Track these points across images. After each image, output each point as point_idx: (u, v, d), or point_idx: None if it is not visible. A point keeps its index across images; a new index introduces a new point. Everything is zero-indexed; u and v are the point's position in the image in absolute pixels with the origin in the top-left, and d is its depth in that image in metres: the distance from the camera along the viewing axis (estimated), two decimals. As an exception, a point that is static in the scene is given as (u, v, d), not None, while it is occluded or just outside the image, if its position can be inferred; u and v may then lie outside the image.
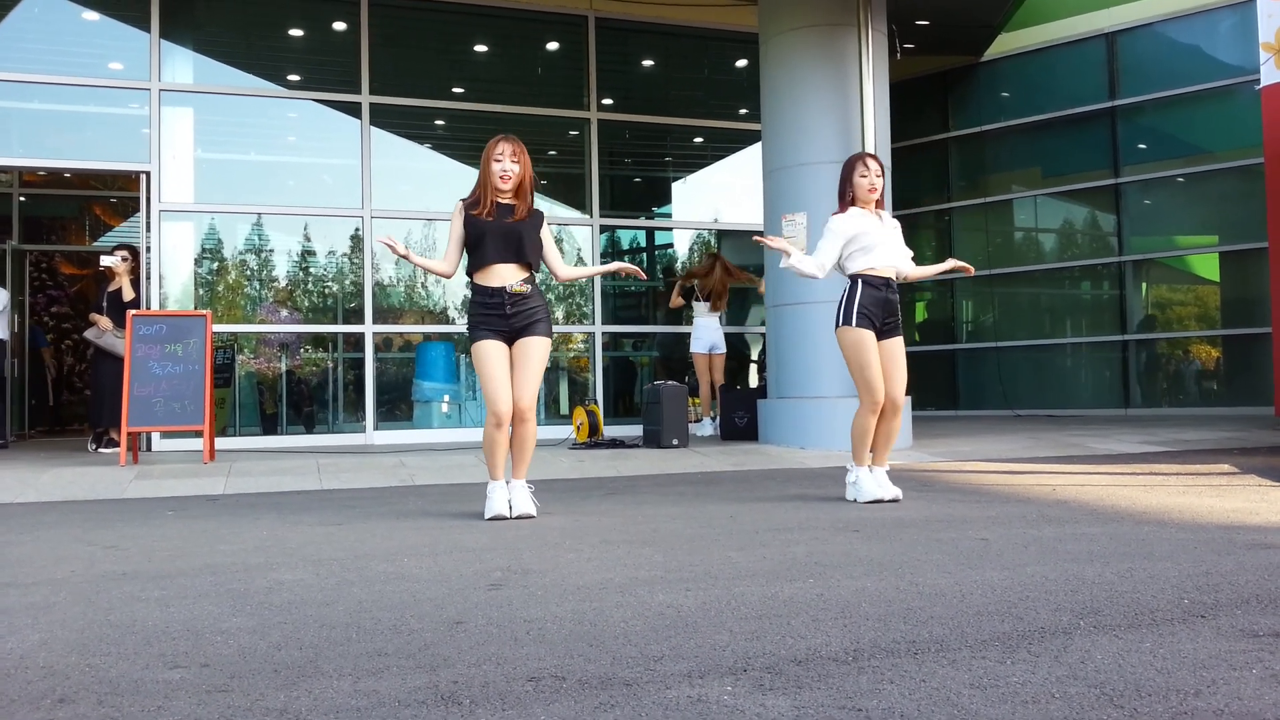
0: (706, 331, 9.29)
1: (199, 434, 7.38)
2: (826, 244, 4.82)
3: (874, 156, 4.94)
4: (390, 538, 3.93)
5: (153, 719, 1.77)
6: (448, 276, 4.62)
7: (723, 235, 11.18)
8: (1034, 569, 2.99)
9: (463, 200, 4.52)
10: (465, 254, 4.52)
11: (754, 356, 10.56)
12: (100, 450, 8.19)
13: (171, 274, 8.99)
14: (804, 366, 7.74)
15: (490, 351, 4.36)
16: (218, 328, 8.69)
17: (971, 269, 5.15)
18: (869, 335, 4.71)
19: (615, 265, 4.89)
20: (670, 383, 8.17)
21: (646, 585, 2.86)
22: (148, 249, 8.77)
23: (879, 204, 4.88)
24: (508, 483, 4.49)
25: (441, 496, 5.48)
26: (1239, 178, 10.92)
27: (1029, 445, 7.83)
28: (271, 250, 9.58)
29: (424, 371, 9.70)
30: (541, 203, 10.65)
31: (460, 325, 10.08)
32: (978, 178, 13.27)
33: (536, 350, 4.40)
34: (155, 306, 8.63)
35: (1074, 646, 2.12)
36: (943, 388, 13.33)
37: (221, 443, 8.30)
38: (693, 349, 9.38)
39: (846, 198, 4.87)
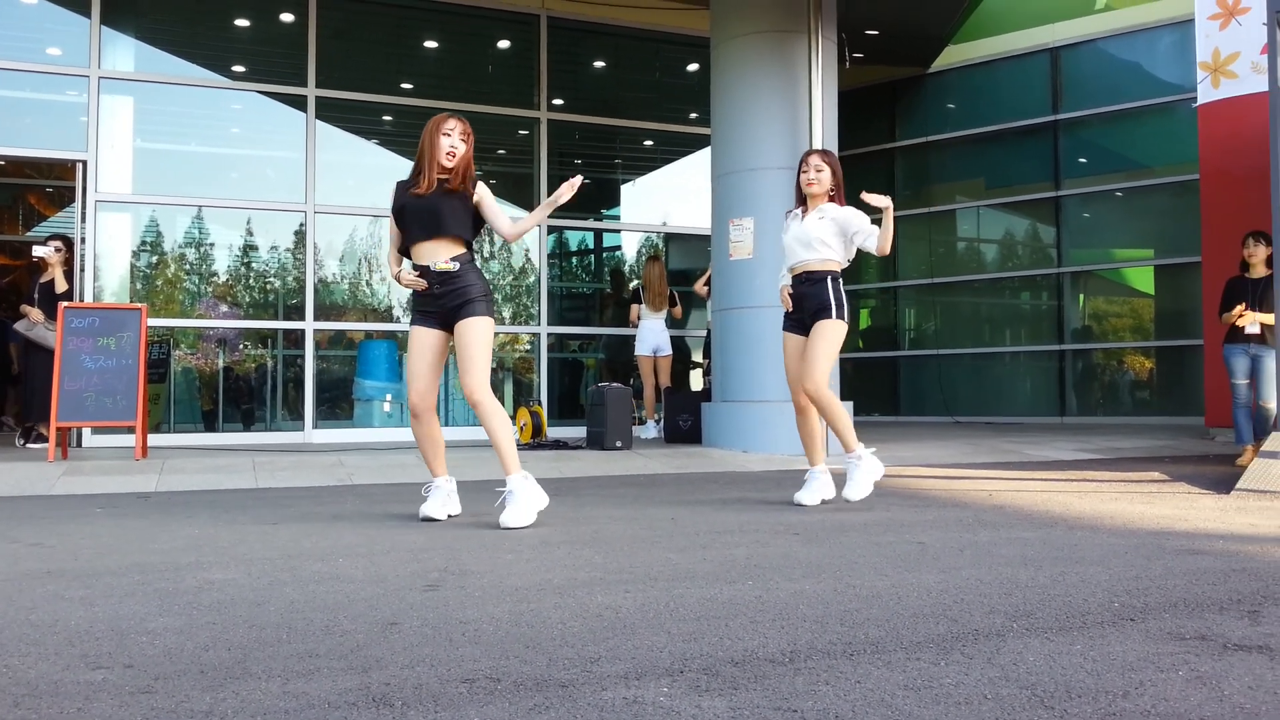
0: (650, 334, 9.30)
1: (131, 430, 7.20)
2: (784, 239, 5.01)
3: (818, 151, 5.00)
4: (325, 537, 3.87)
5: (70, 721, 1.71)
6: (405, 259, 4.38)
7: (670, 238, 11.20)
8: (969, 572, 3.02)
9: (400, 181, 4.37)
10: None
11: (697, 359, 10.59)
12: (29, 445, 7.96)
13: (107, 266, 8.78)
14: (748, 370, 7.77)
15: (416, 337, 4.27)
16: (154, 322, 8.49)
17: (885, 201, 4.79)
18: (785, 336, 4.90)
19: (557, 193, 4.30)
20: (615, 385, 8.16)
21: (585, 587, 2.84)
22: (83, 240, 8.55)
23: (833, 198, 4.89)
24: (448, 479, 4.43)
25: (381, 496, 5.41)
26: (1175, 193, 11.20)
27: (968, 451, 7.94)
28: (212, 244, 9.39)
29: (366, 370, 9.57)
30: (489, 202, 10.66)
31: (404, 324, 9.98)
32: (922, 187, 13.46)
33: (472, 332, 4.17)
34: (90, 299, 8.41)
35: (1007, 648, 2.14)
36: (885, 394, 13.49)
37: (155, 439, 8.11)
38: (637, 351, 9.38)
39: (797, 195, 4.99)
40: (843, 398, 8.29)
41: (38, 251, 8.02)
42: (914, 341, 13.58)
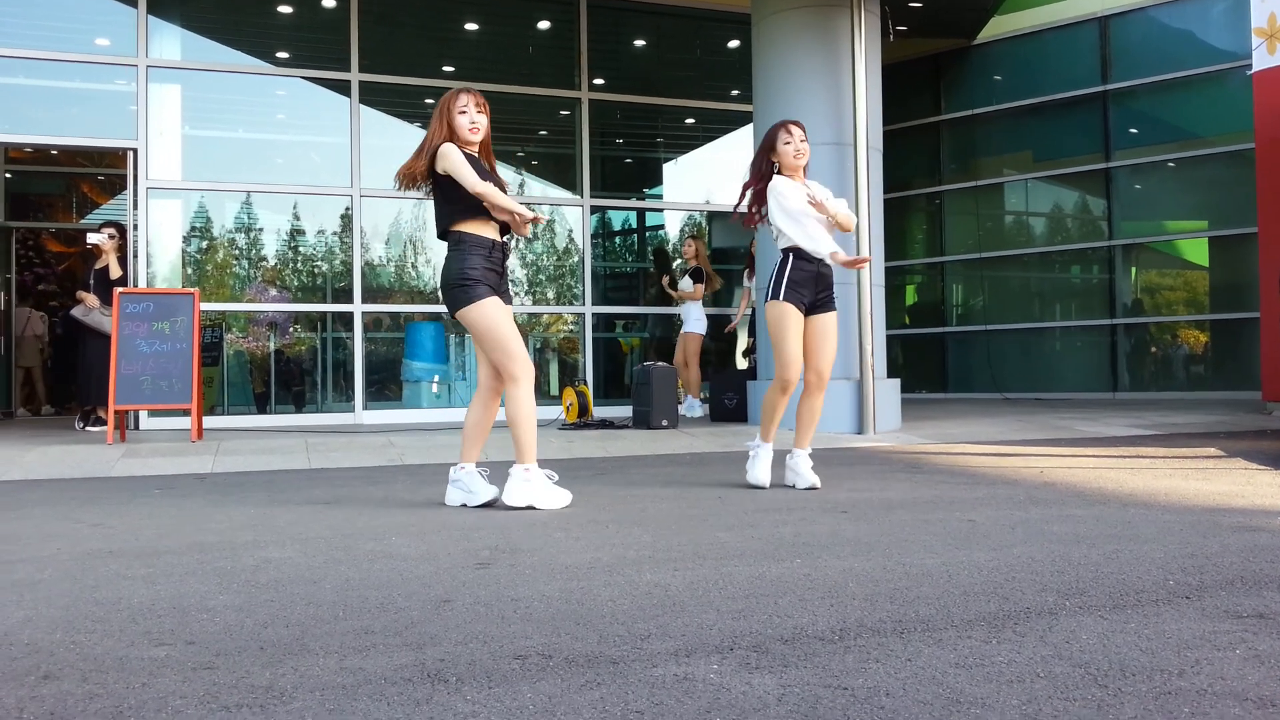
0: (700, 311, 9.29)
1: (187, 413, 7.35)
2: (789, 208, 4.53)
3: (797, 123, 4.65)
4: (378, 516, 3.92)
5: (137, 695, 1.76)
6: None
7: (713, 216, 11.16)
8: (1021, 550, 3.00)
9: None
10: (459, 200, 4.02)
11: (740, 340, 10.57)
12: (88, 429, 8.16)
13: (159, 252, 8.94)
14: (794, 348, 7.73)
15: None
16: (206, 306, 8.64)
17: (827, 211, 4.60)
18: (793, 311, 4.55)
19: (523, 211, 3.97)
20: (660, 364, 8.17)
21: (634, 565, 2.86)
22: (135, 226, 8.71)
23: (805, 171, 4.68)
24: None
25: (431, 476, 5.48)
26: (1229, 163, 10.94)
27: (1017, 428, 7.85)
28: (260, 229, 9.53)
29: (413, 351, 9.67)
30: (532, 183, 10.72)
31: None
32: (969, 161, 13.26)
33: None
34: (143, 284, 8.57)
35: (1059, 627, 2.13)
36: (932, 370, 13.37)
37: (209, 421, 8.28)
38: (698, 330, 9.26)
39: (763, 168, 4.62)
40: (890, 374, 8.24)
41: (92, 238, 8.19)
42: (962, 317, 13.42)
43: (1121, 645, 1.98)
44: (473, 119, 4.05)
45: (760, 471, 4.70)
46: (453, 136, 4.05)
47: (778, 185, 4.57)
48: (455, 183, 3.96)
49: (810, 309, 4.61)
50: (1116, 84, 11.86)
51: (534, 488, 4.02)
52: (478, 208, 4.00)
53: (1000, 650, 1.96)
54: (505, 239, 4.11)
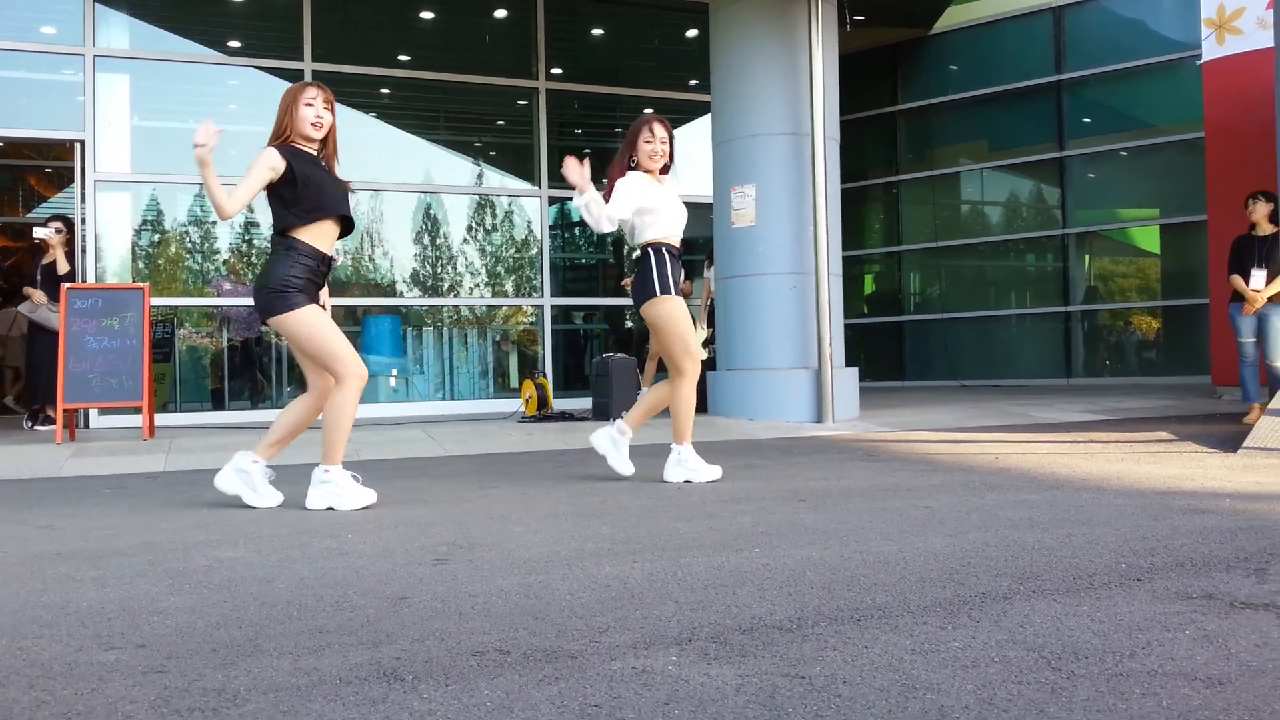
0: None
1: (138, 410, 7.22)
2: (622, 202, 4.47)
3: (663, 122, 4.63)
4: (333, 513, 3.88)
5: (86, 701, 1.72)
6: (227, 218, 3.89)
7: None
8: (976, 535, 3.03)
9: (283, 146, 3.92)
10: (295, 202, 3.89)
11: (699, 331, 10.60)
12: (36, 428, 7.99)
13: (109, 246, 8.77)
14: (753, 338, 7.77)
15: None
16: (157, 301, 8.49)
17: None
18: (681, 302, 4.55)
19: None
20: (619, 355, 8.16)
21: (593, 557, 2.85)
22: (83, 220, 8.54)
23: (664, 170, 4.66)
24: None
25: (388, 471, 5.43)
26: (1180, 152, 11.12)
27: (973, 415, 7.94)
28: (213, 222, 9.37)
29: (370, 345, 9.58)
30: (490, 173, 10.64)
31: (410, 299, 9.97)
32: (925, 151, 13.38)
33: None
34: (92, 279, 8.41)
35: (1013, 611, 2.15)
36: (890, 359, 13.48)
37: (162, 419, 8.14)
38: None
39: (623, 161, 4.58)
40: (848, 363, 8.29)
41: (39, 233, 8.00)
42: (919, 306, 13.55)
43: (1074, 628, 2.01)
44: (319, 113, 3.92)
45: (706, 467, 4.65)
46: (294, 129, 3.91)
47: (627, 182, 4.51)
48: (293, 185, 3.84)
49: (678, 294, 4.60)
50: (1070, 74, 12.01)
51: (333, 489, 3.95)
52: (314, 216, 3.89)
53: (955, 635, 1.97)
54: (332, 255, 4.02)
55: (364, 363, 4.09)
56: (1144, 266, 12.17)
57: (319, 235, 3.93)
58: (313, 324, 3.88)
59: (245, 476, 4.10)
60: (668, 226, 4.60)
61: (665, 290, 4.51)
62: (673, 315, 4.52)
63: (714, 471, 4.61)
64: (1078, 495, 3.83)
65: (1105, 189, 12.34)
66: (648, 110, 11.06)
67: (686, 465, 4.63)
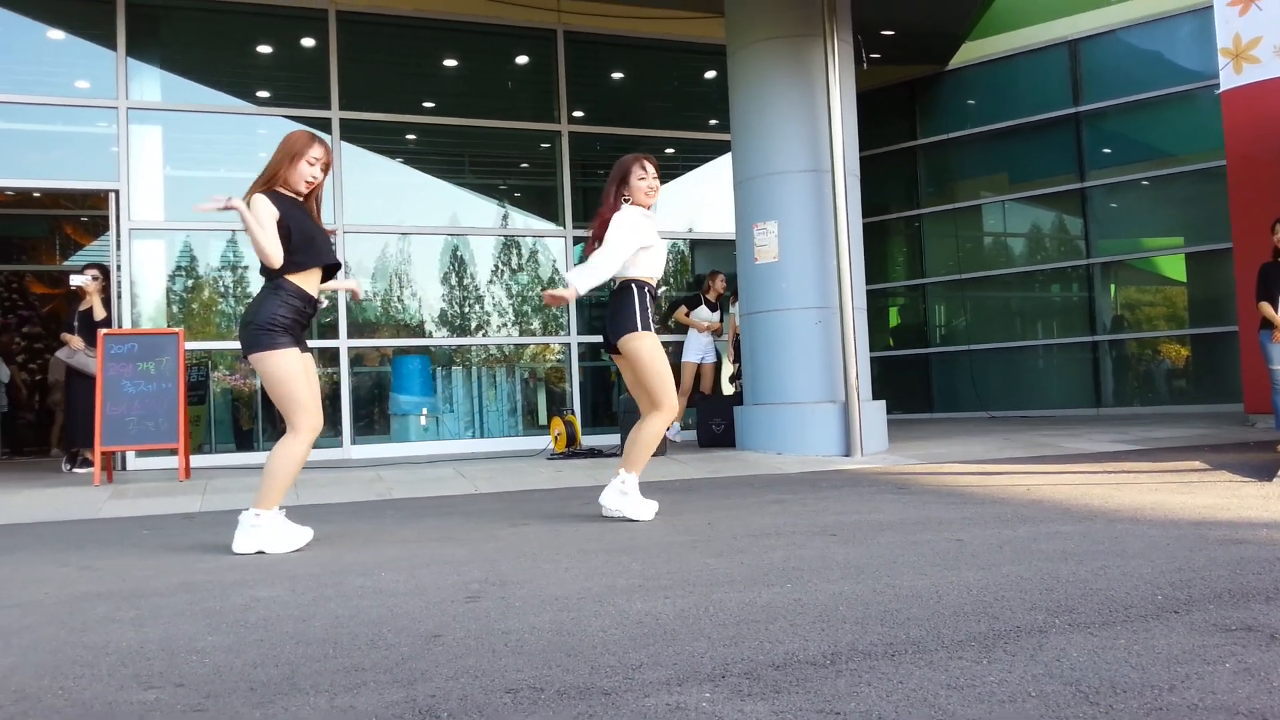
0: (701, 341, 9.67)
1: (174, 452, 7.31)
2: (632, 239, 4.49)
3: (651, 159, 4.65)
4: (367, 552, 3.91)
5: (128, 740, 1.75)
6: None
7: (696, 245, 11.22)
8: (1009, 568, 3.01)
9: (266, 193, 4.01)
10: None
11: (725, 366, 10.62)
12: (74, 470, 8.10)
13: (143, 292, 8.92)
14: (779, 373, 7.78)
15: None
16: (191, 345, 8.61)
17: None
18: (657, 339, 4.59)
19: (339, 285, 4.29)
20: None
21: (625, 594, 2.86)
22: (118, 267, 8.70)
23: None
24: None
25: (419, 510, 5.46)
26: (1202, 180, 11.08)
27: (1003, 446, 7.89)
28: (246, 267, 9.52)
29: (400, 385, 9.66)
30: (515, 215, 10.76)
31: (439, 338, 10.05)
32: (946, 184, 13.40)
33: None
34: (128, 325, 8.55)
35: (1049, 645, 2.14)
36: (917, 391, 13.42)
37: (197, 460, 8.23)
38: (685, 357, 9.62)
39: (614, 198, 4.59)
40: (875, 396, 8.29)
41: (75, 281, 8.16)
42: (945, 338, 13.50)
43: (1111, 662, 1.99)
44: (315, 174, 4.06)
45: (647, 503, 4.64)
46: (285, 177, 4.02)
47: (632, 216, 4.54)
48: (286, 237, 3.94)
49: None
50: (1088, 105, 12.02)
51: (263, 533, 3.96)
52: (303, 261, 3.99)
53: (991, 670, 1.97)
54: (319, 298, 4.11)
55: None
56: (1170, 295, 12.09)
57: (306, 280, 4.05)
58: (289, 368, 3.97)
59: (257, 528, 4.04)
60: (656, 266, 4.64)
61: (645, 326, 4.54)
62: (655, 351, 4.56)
63: (650, 509, 4.54)
64: (1111, 526, 3.80)
65: (1128, 218, 12.30)
66: (669, 149, 11.19)
67: (628, 497, 4.58)
